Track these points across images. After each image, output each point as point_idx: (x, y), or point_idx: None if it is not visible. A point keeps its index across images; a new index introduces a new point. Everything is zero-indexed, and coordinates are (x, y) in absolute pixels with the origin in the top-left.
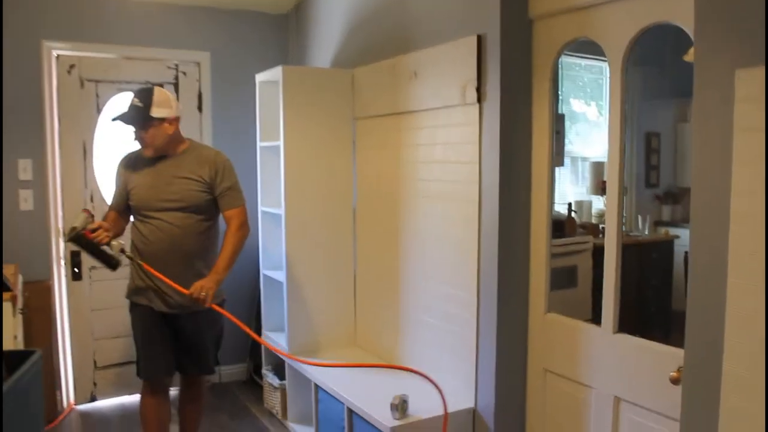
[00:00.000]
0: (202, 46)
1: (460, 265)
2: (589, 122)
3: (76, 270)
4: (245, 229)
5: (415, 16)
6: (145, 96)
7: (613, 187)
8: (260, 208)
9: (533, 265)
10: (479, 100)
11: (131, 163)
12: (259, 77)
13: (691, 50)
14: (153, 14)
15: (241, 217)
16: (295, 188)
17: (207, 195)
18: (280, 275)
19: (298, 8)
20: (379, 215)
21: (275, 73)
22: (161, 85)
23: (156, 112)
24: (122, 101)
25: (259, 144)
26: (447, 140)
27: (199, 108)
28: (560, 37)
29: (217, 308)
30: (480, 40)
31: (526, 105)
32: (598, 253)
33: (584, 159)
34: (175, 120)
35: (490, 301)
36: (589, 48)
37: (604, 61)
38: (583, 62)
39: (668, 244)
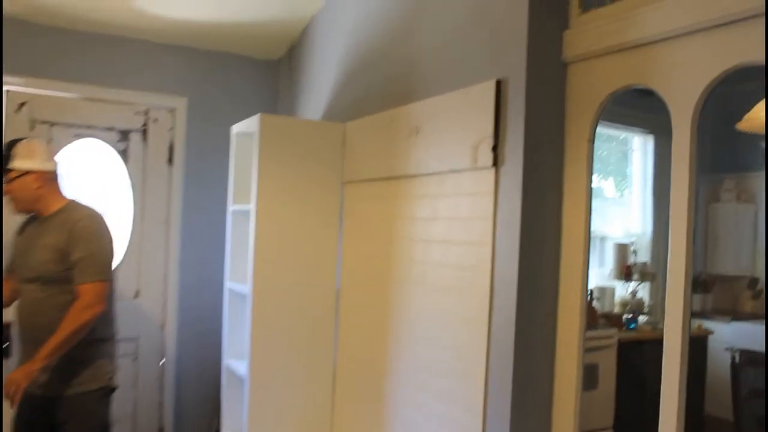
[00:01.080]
0: (178, 91)
1: (463, 376)
2: (606, 199)
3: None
4: (90, 312)
5: (421, 59)
6: (9, 146)
7: (678, 276)
8: (227, 285)
9: (560, 381)
10: (495, 163)
11: (22, 224)
12: (236, 128)
13: (750, 116)
14: (123, 50)
15: (87, 297)
16: (266, 262)
17: (60, 266)
18: (243, 366)
19: (291, 54)
20: (367, 301)
21: (252, 123)
22: (127, 132)
23: (17, 164)
24: (80, 149)
25: (230, 206)
26: (452, 213)
27: (170, 161)
28: (605, 84)
29: None
30: (499, 86)
31: (555, 171)
32: (624, 349)
33: (602, 238)
34: (43, 175)
35: (499, 428)
36: (609, 115)
37: (631, 130)
38: (604, 131)
39: (701, 341)
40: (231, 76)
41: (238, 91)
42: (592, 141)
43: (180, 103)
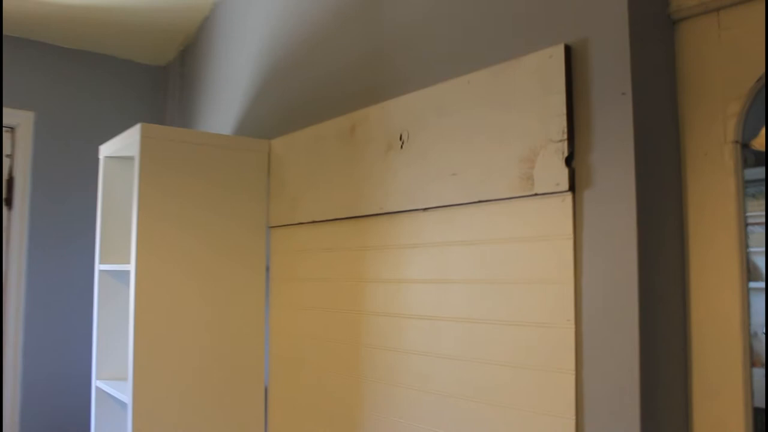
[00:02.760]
0: (21, 102)
1: None
2: None
3: None
4: None
5: (402, 31)
6: None
7: None
8: (95, 384)
9: None
10: (573, 185)
11: None
12: (105, 149)
13: None
14: None
15: None
16: (153, 352)
17: None
18: None
19: (183, 57)
20: (318, 407)
21: (128, 141)
22: None
23: None
24: None
25: (98, 266)
26: (482, 273)
27: (8, 202)
28: (756, 57)
29: None
30: (570, 55)
31: (674, 193)
32: None
33: None
34: None
35: None
36: None
37: None
38: None
39: None
40: (100, 84)
41: (109, 104)
42: (739, 141)
43: (24, 119)
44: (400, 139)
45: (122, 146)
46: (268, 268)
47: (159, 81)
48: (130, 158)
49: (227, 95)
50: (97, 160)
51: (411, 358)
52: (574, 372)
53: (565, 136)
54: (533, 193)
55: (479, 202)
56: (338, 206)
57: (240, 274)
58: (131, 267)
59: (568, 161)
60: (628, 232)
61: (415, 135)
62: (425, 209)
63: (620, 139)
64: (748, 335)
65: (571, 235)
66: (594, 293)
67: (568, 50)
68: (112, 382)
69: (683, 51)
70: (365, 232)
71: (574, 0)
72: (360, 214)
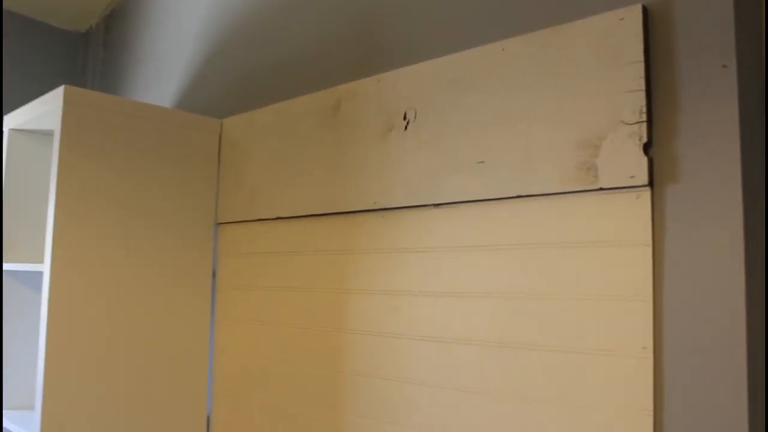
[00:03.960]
0: None
1: None
2: None
3: None
4: None
5: None
6: None
7: None
8: None
9: None
10: (651, 179)
11: None
12: (11, 121)
13: None
14: None
15: None
16: (69, 368)
17: None
18: None
19: (108, 23)
20: None
21: (45, 110)
22: None
23: None
24: None
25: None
26: (520, 285)
27: None
28: None
29: None
30: (648, 17)
31: None
32: None
33: None
34: None
35: None
36: None
37: None
38: None
39: None
40: (6, 47)
41: (16, 73)
42: None
43: None
44: (405, 118)
45: (35, 116)
46: (214, 273)
47: (78, 49)
48: (46, 132)
49: (165, 67)
50: None
51: (414, 390)
52: (651, 414)
53: (644, 118)
54: (597, 187)
55: (517, 197)
56: (315, 200)
57: (180, 280)
58: (45, 268)
59: (646, 148)
60: (733, 240)
61: (426, 114)
62: (437, 205)
63: (719, 122)
64: None
65: (650, 241)
66: (681, 316)
67: (645, 12)
68: (14, 412)
69: None
70: (352, 231)
71: None
72: (345, 210)
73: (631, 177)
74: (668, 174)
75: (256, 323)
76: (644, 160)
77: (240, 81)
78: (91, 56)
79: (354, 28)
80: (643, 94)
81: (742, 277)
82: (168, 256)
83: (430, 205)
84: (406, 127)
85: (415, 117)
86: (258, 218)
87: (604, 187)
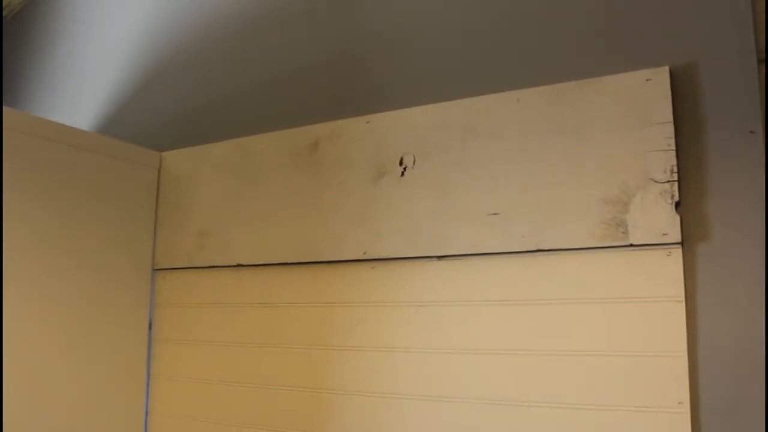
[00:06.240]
0: None
1: None
2: None
3: None
4: None
5: (417, 19)
6: None
7: None
8: None
9: None
10: (682, 236)
11: None
12: None
13: None
14: None
15: None
16: None
17: None
18: None
19: (16, 22)
20: None
21: None
22: None
23: None
24: None
25: None
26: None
27: None
28: None
29: None
30: (675, 79)
31: None
32: None
33: None
34: None
35: None
36: None
37: None
38: None
39: None
40: None
41: None
42: None
43: None
44: (401, 164)
45: None
46: (150, 325)
47: None
48: None
49: (82, 87)
50: None
51: None
52: None
53: (675, 177)
54: (627, 243)
55: (537, 251)
56: (286, 247)
57: (110, 331)
58: None
59: (677, 207)
60: (760, 296)
61: (427, 160)
62: (440, 257)
63: (746, 185)
64: None
65: (682, 297)
66: (715, 370)
67: (672, 75)
68: None
69: None
70: (333, 282)
71: (678, 17)
72: (326, 260)
73: (664, 234)
74: (698, 232)
75: (203, 383)
76: (677, 218)
77: (187, 109)
78: None
79: (339, 63)
80: (673, 154)
81: None
82: (97, 304)
83: (433, 257)
84: (402, 173)
85: (413, 163)
86: (210, 265)
87: (634, 243)
